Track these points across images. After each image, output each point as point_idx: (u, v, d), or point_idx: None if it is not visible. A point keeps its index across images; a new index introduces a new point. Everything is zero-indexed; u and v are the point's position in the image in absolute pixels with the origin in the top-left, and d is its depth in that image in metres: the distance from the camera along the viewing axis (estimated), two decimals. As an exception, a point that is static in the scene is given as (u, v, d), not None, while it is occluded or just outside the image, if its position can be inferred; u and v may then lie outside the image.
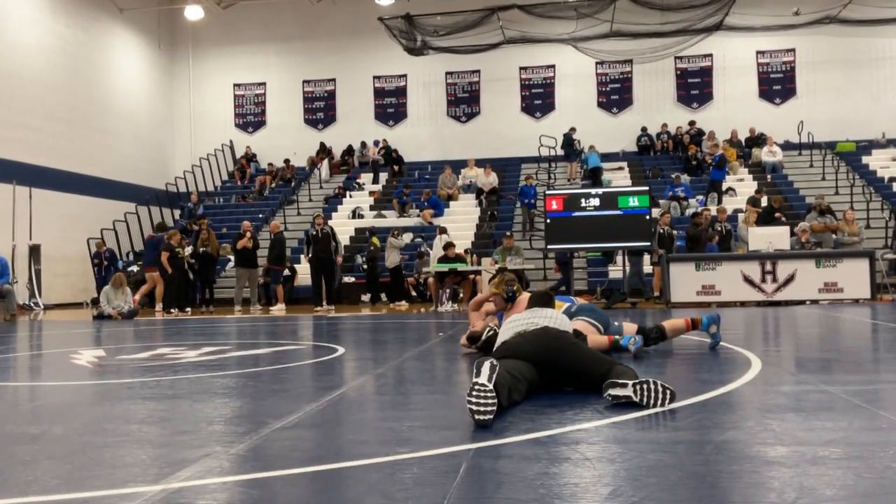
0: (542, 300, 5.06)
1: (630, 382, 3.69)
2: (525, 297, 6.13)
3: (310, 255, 15.92)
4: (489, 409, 3.32)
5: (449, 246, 16.03)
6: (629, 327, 6.31)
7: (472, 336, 6.40)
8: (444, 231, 17.94)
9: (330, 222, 22.15)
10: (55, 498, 2.46)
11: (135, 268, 20.00)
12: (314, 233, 15.93)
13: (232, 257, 17.74)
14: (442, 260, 15.84)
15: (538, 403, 3.83)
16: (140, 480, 2.63)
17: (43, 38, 21.27)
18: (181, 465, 2.80)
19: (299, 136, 27.21)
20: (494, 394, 3.37)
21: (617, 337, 5.96)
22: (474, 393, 3.33)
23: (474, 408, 3.31)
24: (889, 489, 2.33)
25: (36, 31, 21.04)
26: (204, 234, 17.26)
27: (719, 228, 15.66)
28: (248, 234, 16.33)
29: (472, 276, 15.40)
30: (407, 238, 19.95)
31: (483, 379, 3.39)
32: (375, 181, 24.97)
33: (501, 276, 6.38)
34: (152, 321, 13.49)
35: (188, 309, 15.80)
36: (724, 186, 21.39)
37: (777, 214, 16.42)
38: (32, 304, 18.97)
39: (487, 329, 6.21)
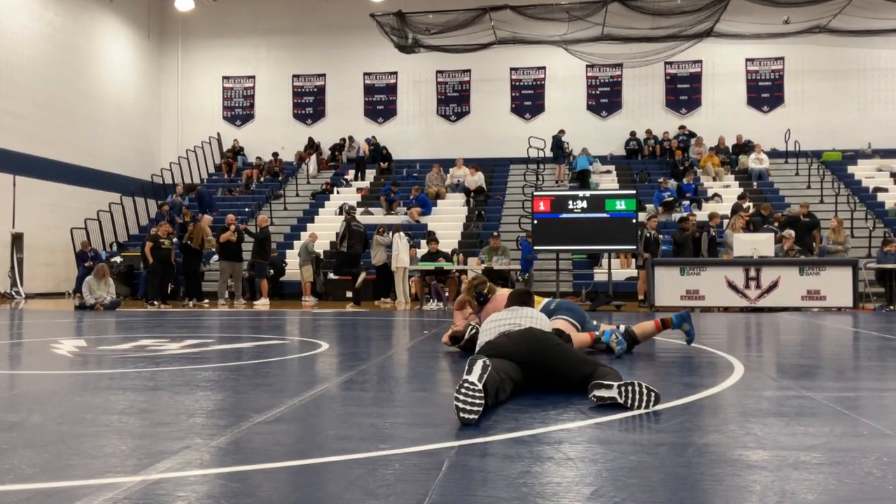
0: (522, 299, 5.06)
1: (615, 384, 3.70)
2: (503, 292, 6.14)
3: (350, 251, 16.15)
4: (476, 408, 3.31)
5: (432, 240, 16.07)
6: (605, 328, 6.33)
7: (454, 335, 6.38)
8: (398, 230, 17.47)
9: (317, 218, 22.24)
10: (32, 486, 2.42)
11: (118, 258, 19.87)
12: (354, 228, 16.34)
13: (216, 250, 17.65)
14: (426, 256, 15.85)
15: (522, 403, 3.83)
16: (119, 471, 2.60)
17: (31, 25, 21.09)
18: (161, 457, 2.78)
19: (287, 131, 27.12)
20: (483, 394, 3.36)
21: (598, 333, 5.96)
22: (463, 390, 3.32)
23: (461, 405, 3.30)
24: (870, 495, 2.34)
25: (24, 17, 20.86)
26: (191, 227, 17.16)
27: (698, 234, 15.69)
28: (232, 228, 16.23)
29: (456, 275, 15.40)
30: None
31: (474, 378, 3.38)
32: (359, 178, 24.87)
33: (470, 282, 6.36)
34: (135, 313, 13.40)
35: (184, 302, 15.88)
36: (710, 193, 21.53)
37: (765, 226, 16.55)
38: (14, 293, 18.81)
39: (469, 328, 6.19)
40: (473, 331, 6.10)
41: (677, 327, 6.29)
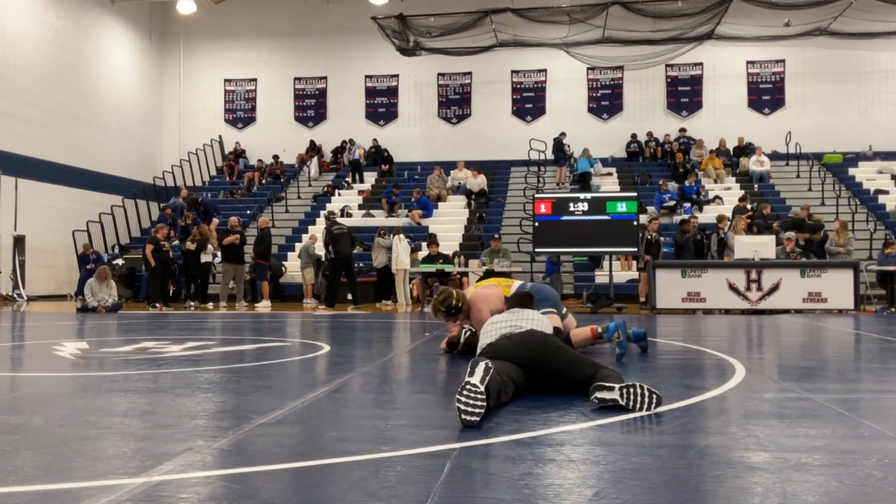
0: (523, 301, 5.07)
1: (617, 386, 3.70)
2: (482, 289, 6.19)
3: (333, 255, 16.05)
4: (478, 410, 3.32)
5: (432, 243, 16.08)
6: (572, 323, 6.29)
7: (450, 342, 6.37)
8: (398, 233, 17.54)
9: (318, 220, 22.24)
10: (35, 488, 2.43)
11: (120, 261, 19.88)
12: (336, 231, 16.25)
13: (219, 253, 17.66)
14: (426, 259, 15.86)
15: (523, 405, 3.83)
16: (121, 473, 2.61)
17: (33, 28, 21.12)
18: (163, 459, 2.78)
19: (289, 134, 27.15)
20: (485, 396, 3.37)
21: (599, 329, 5.91)
22: (465, 392, 3.33)
23: (463, 407, 3.30)
24: (871, 497, 2.34)
25: (26, 20, 20.89)
26: (196, 231, 17.19)
27: (699, 237, 15.67)
28: (237, 238, 16.22)
29: (458, 277, 15.40)
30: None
31: (476, 380, 3.39)
32: (356, 181, 24.85)
33: (435, 300, 6.32)
34: (136, 315, 13.41)
35: (185, 304, 15.83)
36: (712, 195, 21.54)
37: (776, 225, 16.56)
38: (16, 296, 18.82)
39: (464, 331, 6.20)
40: (468, 333, 6.10)
41: (609, 336, 5.87)
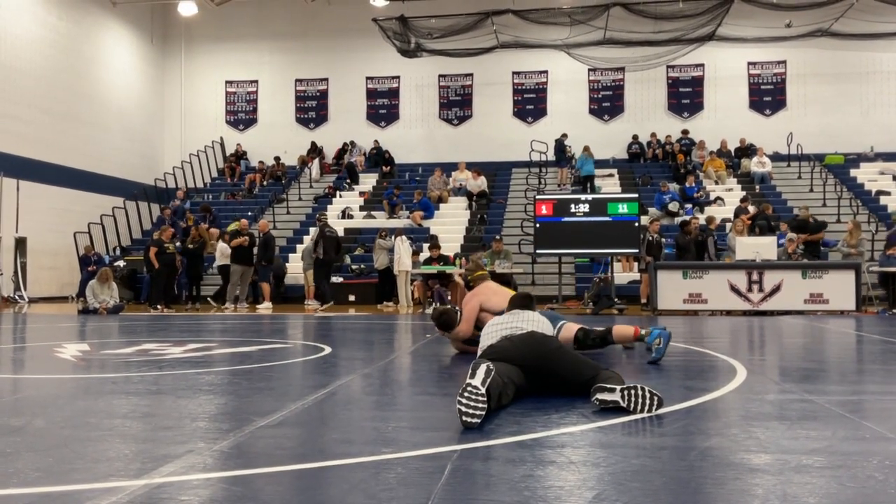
0: (523, 302, 5.08)
1: (618, 387, 3.70)
2: (490, 285, 6.33)
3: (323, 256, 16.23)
4: (478, 412, 3.32)
5: (434, 246, 16.09)
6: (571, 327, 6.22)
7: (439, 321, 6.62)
8: (400, 234, 17.55)
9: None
10: (36, 490, 2.43)
11: (121, 262, 19.89)
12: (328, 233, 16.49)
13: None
14: (427, 261, 15.87)
15: (524, 407, 3.83)
16: (122, 475, 2.61)
17: (34, 30, 21.14)
18: (164, 461, 2.79)
19: (290, 135, 27.15)
20: (486, 398, 3.37)
21: (643, 332, 5.84)
22: (466, 394, 3.33)
23: (464, 409, 3.31)
24: (871, 498, 2.34)
25: (27, 22, 20.90)
26: (195, 231, 17.19)
27: (701, 238, 15.66)
28: (246, 240, 16.21)
29: (458, 278, 15.40)
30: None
31: (477, 382, 3.39)
32: (353, 183, 24.85)
33: (469, 267, 6.84)
34: (138, 317, 13.42)
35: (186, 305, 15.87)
36: (713, 196, 21.53)
37: (784, 226, 16.56)
38: (17, 297, 18.83)
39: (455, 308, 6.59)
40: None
41: (650, 342, 5.79)
